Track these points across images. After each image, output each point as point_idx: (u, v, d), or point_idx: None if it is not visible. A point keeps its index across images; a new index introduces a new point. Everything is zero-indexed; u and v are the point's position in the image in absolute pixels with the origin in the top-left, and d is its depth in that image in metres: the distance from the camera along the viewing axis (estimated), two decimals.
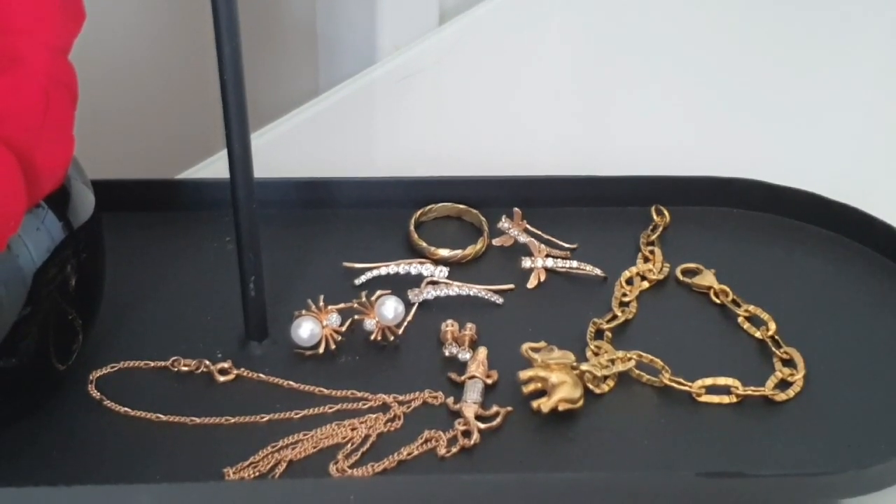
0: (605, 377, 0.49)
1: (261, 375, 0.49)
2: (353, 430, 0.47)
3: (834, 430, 0.48)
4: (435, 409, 0.48)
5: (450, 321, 0.51)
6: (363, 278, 0.54)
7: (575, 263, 0.55)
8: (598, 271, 0.55)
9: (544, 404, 0.47)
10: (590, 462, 0.46)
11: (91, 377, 0.48)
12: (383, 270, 0.54)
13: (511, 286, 0.54)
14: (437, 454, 0.46)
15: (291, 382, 0.49)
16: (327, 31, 0.80)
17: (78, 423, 0.47)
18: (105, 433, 0.47)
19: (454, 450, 0.46)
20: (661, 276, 0.55)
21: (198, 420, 0.47)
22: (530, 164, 0.63)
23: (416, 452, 0.46)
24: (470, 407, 0.48)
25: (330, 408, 0.48)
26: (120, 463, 0.45)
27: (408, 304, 0.52)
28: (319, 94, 0.75)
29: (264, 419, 0.47)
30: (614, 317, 0.53)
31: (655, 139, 0.69)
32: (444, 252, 0.55)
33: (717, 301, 0.54)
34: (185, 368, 0.49)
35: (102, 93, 0.66)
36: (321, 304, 0.50)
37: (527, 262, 0.55)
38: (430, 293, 0.53)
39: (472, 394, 0.48)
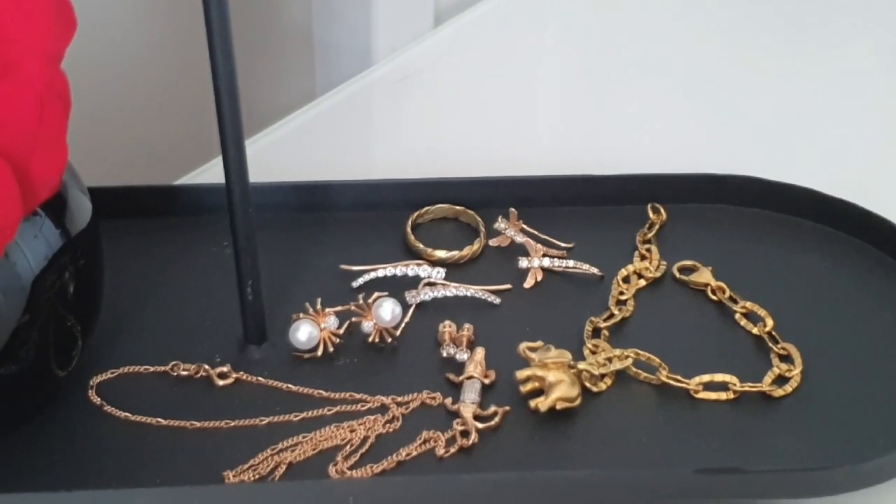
0: (603, 375, 0.49)
1: (259, 379, 0.49)
2: (351, 431, 0.47)
3: (831, 426, 0.48)
4: (433, 410, 0.48)
5: (447, 322, 0.51)
6: (360, 280, 0.54)
7: (571, 262, 0.55)
8: (594, 270, 0.55)
9: (542, 403, 0.47)
10: (588, 460, 0.46)
11: (91, 383, 0.49)
12: (380, 272, 0.54)
13: (508, 286, 0.54)
14: (436, 454, 0.46)
15: (290, 385, 0.49)
16: (323, 35, 0.80)
17: (78, 429, 0.47)
18: (105, 438, 0.47)
19: (453, 450, 0.46)
20: (657, 274, 0.55)
21: (197, 424, 0.47)
22: (526, 164, 0.63)
23: (414, 453, 0.46)
24: (468, 407, 0.48)
25: (329, 410, 0.48)
26: (120, 467, 0.46)
27: (405, 306, 0.52)
28: (316, 97, 0.75)
29: (263, 422, 0.48)
30: (611, 315, 0.53)
31: (650, 137, 0.69)
32: (440, 253, 0.55)
33: (715, 298, 0.54)
34: (185, 373, 0.49)
35: (99, 100, 0.66)
36: (319, 306, 0.51)
37: (523, 262, 0.55)
38: (427, 294, 0.53)
39: (470, 394, 0.48)
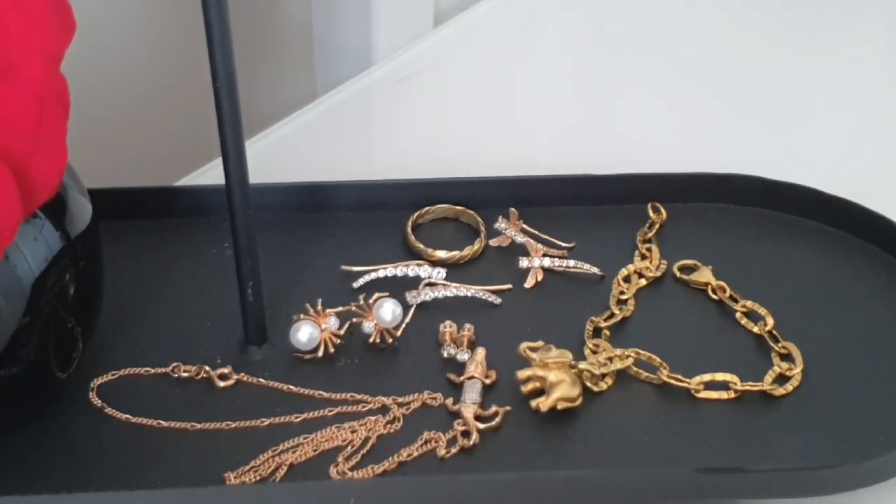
0: (604, 375, 0.49)
1: (260, 380, 0.49)
2: (352, 432, 0.47)
3: (832, 424, 0.48)
4: (434, 410, 0.48)
5: (448, 322, 0.51)
6: (361, 281, 0.54)
7: (572, 262, 0.55)
8: (595, 270, 0.55)
9: (543, 403, 0.47)
10: (589, 460, 0.46)
11: (92, 385, 0.49)
12: (381, 273, 0.54)
13: (508, 286, 0.54)
14: (437, 455, 0.46)
15: (291, 386, 0.49)
16: (323, 35, 0.80)
17: (79, 431, 0.47)
18: (106, 440, 0.47)
19: (454, 450, 0.46)
20: (658, 274, 0.55)
21: (198, 425, 0.47)
22: (527, 164, 0.63)
23: (415, 454, 0.46)
24: (469, 407, 0.48)
25: (329, 411, 0.48)
26: (121, 469, 0.46)
27: (406, 306, 0.52)
28: (317, 97, 0.75)
29: (264, 423, 0.48)
30: (612, 315, 0.53)
31: (651, 136, 0.69)
32: (441, 253, 0.55)
33: (715, 297, 0.54)
34: (185, 374, 0.49)
35: (99, 101, 0.66)
36: (319, 307, 0.51)
37: (524, 262, 0.55)
38: (427, 295, 0.53)
39: (471, 394, 0.48)
